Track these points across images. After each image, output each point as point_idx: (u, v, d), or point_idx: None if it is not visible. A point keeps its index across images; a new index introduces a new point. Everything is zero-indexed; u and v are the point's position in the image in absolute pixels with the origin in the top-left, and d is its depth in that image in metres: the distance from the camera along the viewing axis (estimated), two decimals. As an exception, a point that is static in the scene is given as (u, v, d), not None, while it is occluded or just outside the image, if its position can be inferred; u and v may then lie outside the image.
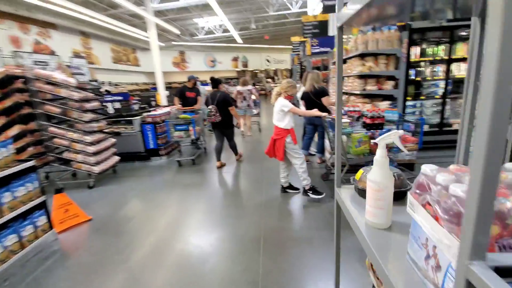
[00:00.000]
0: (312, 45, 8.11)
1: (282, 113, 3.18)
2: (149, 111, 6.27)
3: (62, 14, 10.18)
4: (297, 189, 3.58)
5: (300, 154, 3.30)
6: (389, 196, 0.87)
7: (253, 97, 6.98)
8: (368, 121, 3.02)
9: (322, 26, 9.57)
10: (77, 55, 12.24)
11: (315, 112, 3.26)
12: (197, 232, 2.85)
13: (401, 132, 0.90)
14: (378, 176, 0.87)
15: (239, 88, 6.86)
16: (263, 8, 14.00)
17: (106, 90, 10.47)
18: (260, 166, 4.87)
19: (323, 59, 8.07)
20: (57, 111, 4.02)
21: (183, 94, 5.86)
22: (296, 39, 13.50)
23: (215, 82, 4.85)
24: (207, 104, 4.68)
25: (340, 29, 1.12)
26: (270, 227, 2.81)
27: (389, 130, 3.21)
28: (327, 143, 4.20)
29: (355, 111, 3.48)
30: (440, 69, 4.49)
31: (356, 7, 0.84)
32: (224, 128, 4.71)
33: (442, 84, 4.63)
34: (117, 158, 4.86)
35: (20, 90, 3.82)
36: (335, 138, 1.30)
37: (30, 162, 2.61)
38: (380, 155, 0.87)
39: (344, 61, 5.13)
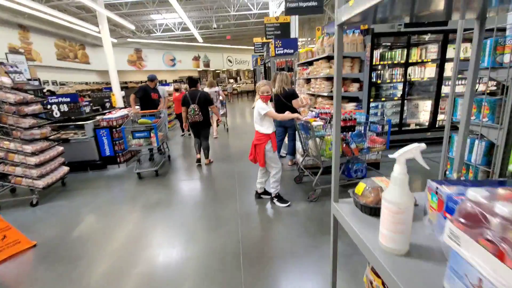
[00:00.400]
0: (276, 46, 8.13)
1: (260, 117, 3.02)
2: (104, 114, 5.66)
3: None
4: (269, 193, 3.47)
5: (277, 164, 3.17)
6: (409, 219, 0.77)
7: (220, 98, 7.10)
8: (341, 123, 3.03)
9: (284, 28, 9.70)
10: (13, 50, 10.67)
11: (291, 115, 3.15)
12: (167, 251, 2.56)
13: (423, 146, 0.80)
14: (398, 197, 0.77)
15: (206, 89, 6.70)
16: (225, 7, 13.76)
17: (49, 91, 9.34)
18: (231, 169, 4.68)
19: (288, 60, 8.14)
20: (-14, 116, 3.35)
21: (148, 95, 5.18)
22: (258, 40, 13.53)
23: (193, 82, 4.76)
24: (186, 104, 4.57)
25: (340, 26, 1.01)
26: (248, 239, 2.65)
27: (360, 132, 3.28)
28: (298, 145, 4.18)
29: (326, 113, 3.50)
30: (398, 72, 4.77)
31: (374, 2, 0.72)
32: (203, 127, 4.73)
33: (400, 86, 4.93)
34: (66, 168, 4.27)
35: None
36: (333, 143, 1.19)
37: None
38: (400, 171, 0.77)
39: (310, 63, 5.19)
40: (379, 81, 4.80)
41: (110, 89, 10.85)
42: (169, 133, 7.73)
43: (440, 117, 5.00)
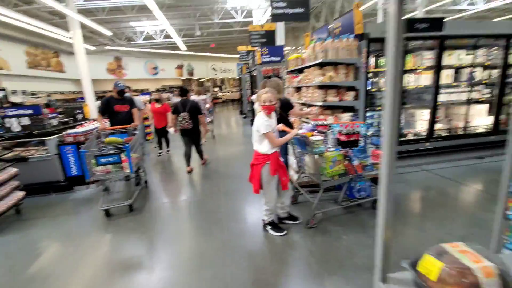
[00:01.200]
0: (262, 54, 7.81)
1: (259, 134, 2.52)
2: (74, 127, 5.02)
3: None
4: (296, 218, 2.98)
5: (272, 192, 2.70)
6: None
7: (207, 105, 6.96)
8: (343, 138, 2.64)
9: (269, 35, 9.43)
10: (-27, 57, 9.74)
11: (291, 135, 2.65)
12: (136, 303, 2.03)
13: None
14: None
15: (193, 97, 6.36)
16: (208, 15, 13.41)
17: (9, 102, 8.51)
18: (217, 186, 4.19)
19: (274, 68, 7.83)
20: None
21: (109, 107, 4.34)
22: (243, 48, 13.26)
23: (184, 91, 5.04)
24: (177, 112, 4.77)
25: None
26: (238, 285, 2.17)
27: (363, 147, 2.91)
28: (291, 160, 3.76)
29: (323, 125, 3.11)
30: (394, 80, 4.50)
31: None
32: (194, 134, 4.96)
33: (395, 94, 4.66)
34: (21, 194, 3.62)
35: None
36: (385, 167, 0.77)
37: None
38: None
39: (301, 71, 4.85)
40: (374, 89, 4.51)
41: (83, 98, 10.10)
42: (147, 146, 7.09)
43: (437, 126, 4.78)
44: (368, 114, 4.60)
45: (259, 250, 2.63)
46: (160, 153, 6.53)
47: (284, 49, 8.10)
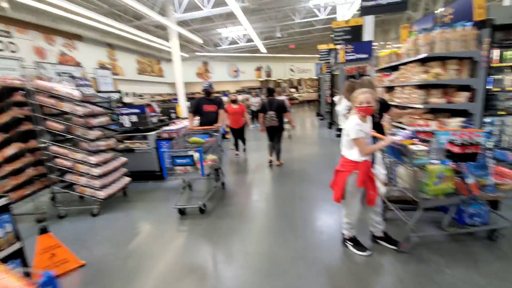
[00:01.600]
0: (346, 52, 7.26)
1: (349, 138, 2.27)
2: (168, 125, 5.72)
3: (87, 25, 10.22)
4: (394, 242, 2.50)
5: (355, 205, 2.40)
6: None
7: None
8: (456, 149, 2.12)
9: (355, 31, 8.74)
10: (102, 66, 12.30)
11: (386, 142, 2.27)
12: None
13: None
14: None
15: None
16: (289, 16, 13.41)
17: (122, 102, 10.23)
18: (292, 189, 4.07)
19: (359, 66, 7.16)
20: (60, 127, 3.50)
21: (199, 107, 4.62)
22: (323, 47, 12.76)
23: (271, 91, 5.43)
24: (264, 110, 5.14)
25: None
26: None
27: (483, 162, 2.29)
28: (378, 170, 3.30)
29: (425, 132, 2.60)
30: (528, 76, 3.47)
31: None
32: (278, 131, 5.29)
33: (531, 95, 3.59)
34: (127, 179, 4.28)
35: (19, 104, 3.36)
36: None
37: (1, 199, 2.00)
38: None
39: (395, 68, 4.24)
40: (496, 89, 3.58)
41: (176, 100, 11.49)
42: (224, 145, 7.47)
43: None
44: (487, 120, 3.70)
45: (337, 267, 2.37)
46: (237, 154, 6.67)
47: (373, 44, 7.32)
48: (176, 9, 10.54)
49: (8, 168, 3.34)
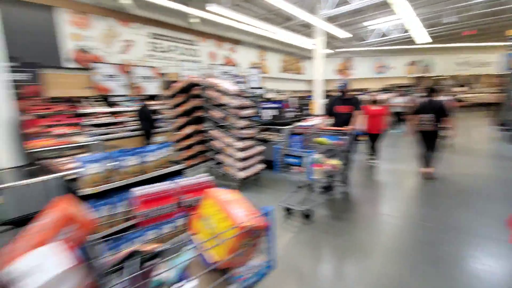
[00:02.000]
0: None
1: None
2: (300, 120, 5.93)
3: (245, 31, 12.03)
4: None
5: None
6: None
7: None
8: None
9: None
10: (253, 66, 14.24)
11: None
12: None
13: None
14: None
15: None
16: (468, -6, 10.52)
17: (265, 98, 11.36)
18: (443, 213, 3.27)
19: None
20: (219, 116, 4.35)
21: (332, 107, 4.34)
22: (516, 31, 9.21)
23: (432, 91, 4.74)
24: (419, 112, 4.58)
25: None
26: None
27: None
28: None
29: None
30: None
31: None
32: (433, 138, 4.61)
33: None
34: (261, 166, 4.79)
35: (196, 96, 4.41)
36: None
37: (180, 165, 2.71)
38: None
39: None
40: None
41: (311, 97, 11.66)
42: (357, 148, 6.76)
43: None
44: None
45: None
46: (374, 162, 5.85)
47: None
48: (323, 6, 10.57)
49: (185, 143, 4.50)
